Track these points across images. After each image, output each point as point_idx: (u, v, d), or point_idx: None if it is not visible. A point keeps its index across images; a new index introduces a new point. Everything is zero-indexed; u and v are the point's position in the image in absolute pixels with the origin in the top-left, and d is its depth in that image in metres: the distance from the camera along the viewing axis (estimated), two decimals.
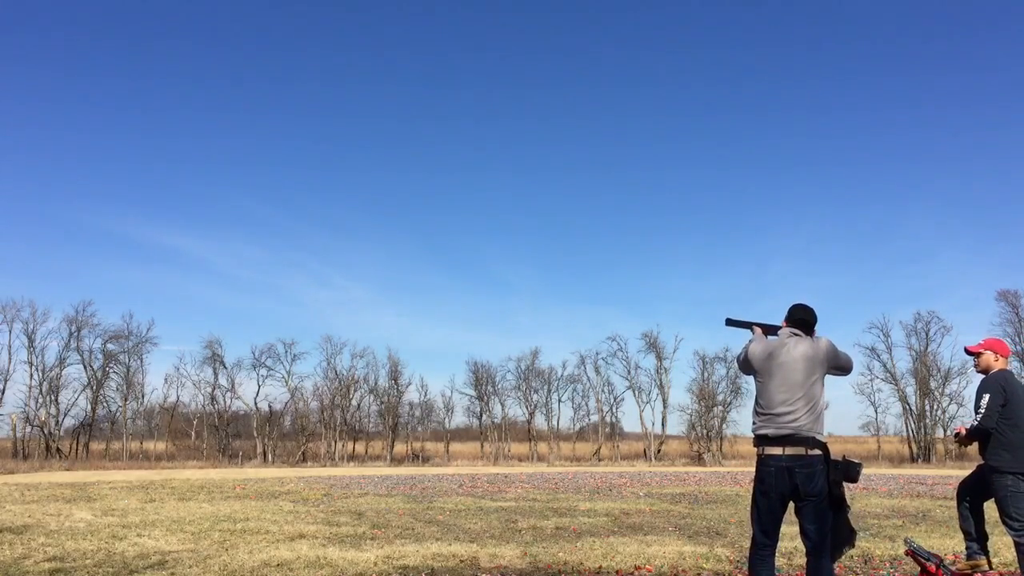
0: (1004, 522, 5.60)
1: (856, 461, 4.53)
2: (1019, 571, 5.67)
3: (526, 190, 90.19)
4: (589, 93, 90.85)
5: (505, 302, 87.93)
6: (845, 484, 4.55)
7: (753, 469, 4.72)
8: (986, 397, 5.60)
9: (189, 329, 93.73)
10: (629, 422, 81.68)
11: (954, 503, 6.29)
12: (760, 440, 4.55)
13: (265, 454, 51.77)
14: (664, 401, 55.36)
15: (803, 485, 4.38)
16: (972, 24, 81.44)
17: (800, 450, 4.39)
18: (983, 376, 5.81)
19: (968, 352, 5.97)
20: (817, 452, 4.42)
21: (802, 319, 4.75)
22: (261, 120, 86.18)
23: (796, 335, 4.68)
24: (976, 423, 5.63)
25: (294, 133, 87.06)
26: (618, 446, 56.47)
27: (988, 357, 5.83)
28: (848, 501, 4.61)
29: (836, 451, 4.60)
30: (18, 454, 46.90)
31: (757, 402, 4.64)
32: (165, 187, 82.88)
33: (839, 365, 4.63)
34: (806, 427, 4.41)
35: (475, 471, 36.47)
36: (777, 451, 4.44)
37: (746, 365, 4.79)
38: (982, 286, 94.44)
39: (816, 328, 4.76)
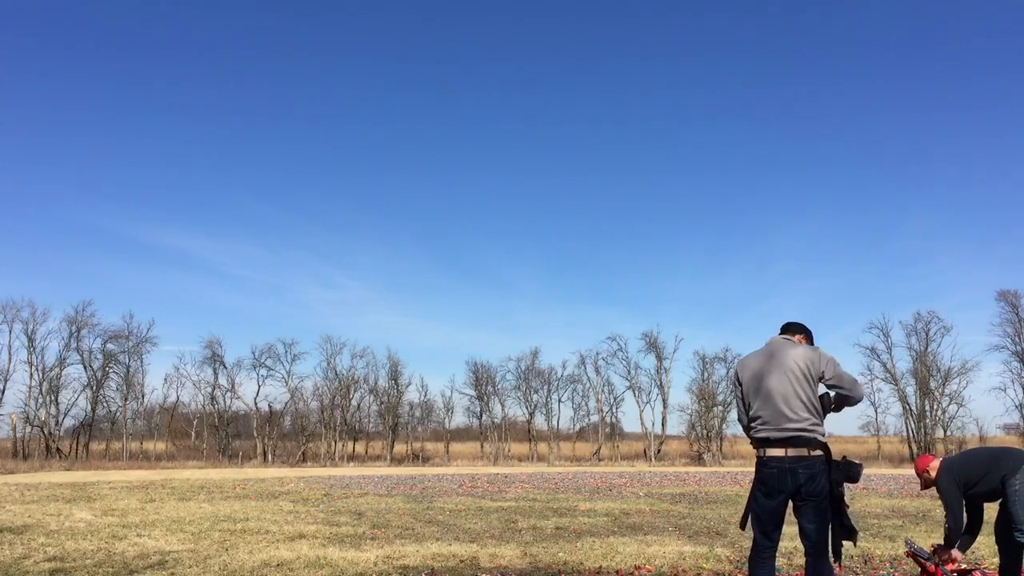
0: (1015, 527, 5.54)
1: (857, 462, 4.52)
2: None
3: (527, 191, 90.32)
4: (591, 95, 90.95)
5: (505, 302, 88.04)
6: (846, 484, 4.54)
7: (753, 469, 4.71)
8: (941, 495, 5.80)
9: (189, 329, 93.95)
10: (629, 422, 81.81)
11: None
12: (760, 442, 4.53)
13: (265, 454, 51.76)
14: (664, 401, 55.45)
15: (806, 486, 4.37)
16: (971, 26, 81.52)
17: (803, 451, 4.38)
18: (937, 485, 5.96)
19: (927, 487, 6.13)
20: (819, 453, 4.41)
21: (791, 323, 4.82)
22: (262, 121, 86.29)
23: (787, 339, 4.69)
24: (946, 526, 5.77)
25: (295, 133, 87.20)
26: (618, 446, 56.45)
27: (925, 478, 6.04)
28: (847, 501, 4.61)
29: (836, 451, 4.59)
30: (18, 454, 46.88)
31: (753, 405, 4.62)
32: (165, 187, 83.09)
33: (841, 383, 4.41)
34: (807, 427, 4.40)
35: (475, 471, 36.47)
36: (779, 453, 4.43)
37: (742, 392, 4.71)
38: (982, 286, 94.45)
39: (814, 337, 4.82)
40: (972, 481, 5.74)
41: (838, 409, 4.59)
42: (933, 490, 6.05)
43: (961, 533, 5.80)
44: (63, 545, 8.77)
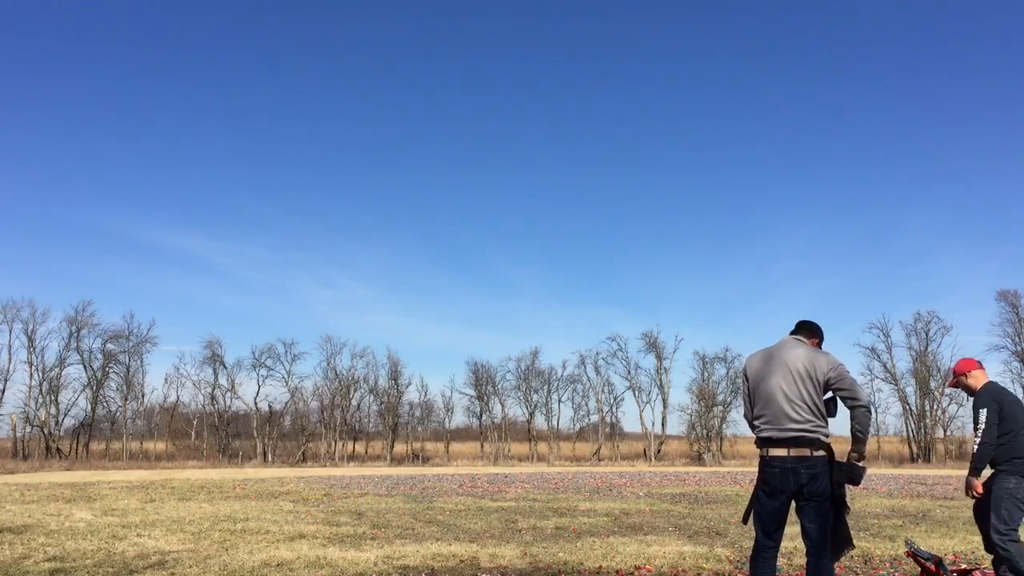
0: (992, 525, 5.56)
1: (860, 464, 4.51)
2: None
3: (528, 190, 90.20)
4: (592, 95, 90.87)
5: (506, 302, 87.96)
6: (847, 486, 4.53)
7: (754, 469, 4.72)
8: (983, 412, 5.61)
9: (189, 329, 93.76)
10: (629, 422, 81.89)
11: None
12: (764, 442, 4.53)
13: (265, 454, 51.74)
14: (664, 401, 55.40)
15: (808, 486, 4.37)
16: (971, 26, 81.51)
17: (805, 451, 4.38)
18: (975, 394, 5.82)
19: (955, 387, 6.01)
20: (822, 453, 4.41)
21: (803, 322, 4.80)
22: (263, 121, 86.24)
23: (798, 339, 4.69)
24: (978, 438, 5.59)
25: (296, 133, 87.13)
26: (618, 446, 56.44)
27: (962, 381, 5.90)
28: (848, 503, 4.61)
29: (837, 452, 4.58)
30: (18, 454, 46.85)
31: (757, 403, 4.62)
32: (165, 187, 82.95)
33: (846, 386, 4.38)
34: (810, 428, 4.39)
35: (475, 471, 36.46)
36: (782, 452, 4.42)
37: (748, 389, 4.71)
38: (982, 286, 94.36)
39: (821, 339, 4.81)
40: (1001, 429, 5.56)
41: (857, 425, 4.43)
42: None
43: (992, 449, 5.54)
44: (63, 545, 8.77)
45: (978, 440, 5.58)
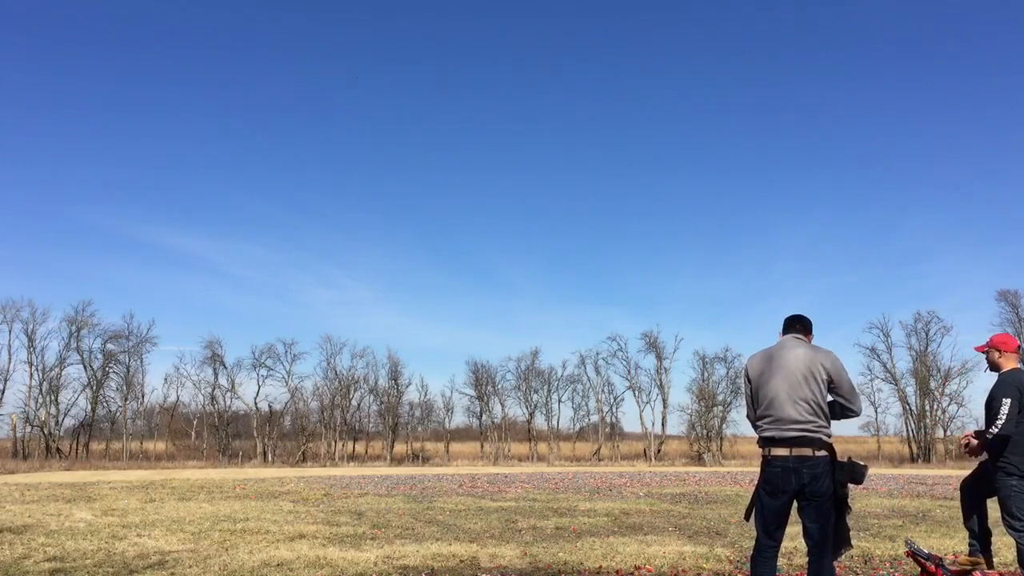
0: (1005, 521, 5.59)
1: (861, 463, 4.52)
2: (1019, 571, 5.67)
3: (528, 190, 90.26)
4: (592, 95, 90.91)
5: (506, 302, 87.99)
6: (849, 485, 4.54)
7: (753, 469, 4.74)
8: (1006, 403, 5.51)
9: (189, 329, 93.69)
10: (629, 422, 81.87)
11: (955, 503, 6.30)
12: (766, 441, 4.53)
13: (265, 454, 51.75)
14: (664, 401, 55.43)
15: (809, 486, 4.37)
16: (971, 26, 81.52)
17: (807, 451, 4.38)
18: (996, 375, 5.78)
19: (983, 352, 5.94)
20: (823, 453, 4.41)
21: (796, 317, 4.80)
22: (262, 120, 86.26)
23: (797, 338, 4.70)
24: (995, 429, 5.52)
25: (296, 133, 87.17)
26: (618, 446, 56.44)
27: (992, 355, 5.81)
28: (849, 503, 4.61)
29: (838, 452, 4.58)
30: (18, 454, 46.86)
31: (760, 404, 4.62)
32: (165, 187, 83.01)
33: (844, 391, 4.47)
34: (812, 428, 4.40)
35: (475, 471, 36.45)
36: (784, 452, 4.43)
37: (751, 391, 4.72)
38: (982, 286, 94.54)
39: (814, 334, 4.81)
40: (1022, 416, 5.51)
41: (835, 418, 4.57)
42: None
43: (1007, 440, 5.45)
44: (63, 545, 8.77)
45: (996, 429, 5.51)
